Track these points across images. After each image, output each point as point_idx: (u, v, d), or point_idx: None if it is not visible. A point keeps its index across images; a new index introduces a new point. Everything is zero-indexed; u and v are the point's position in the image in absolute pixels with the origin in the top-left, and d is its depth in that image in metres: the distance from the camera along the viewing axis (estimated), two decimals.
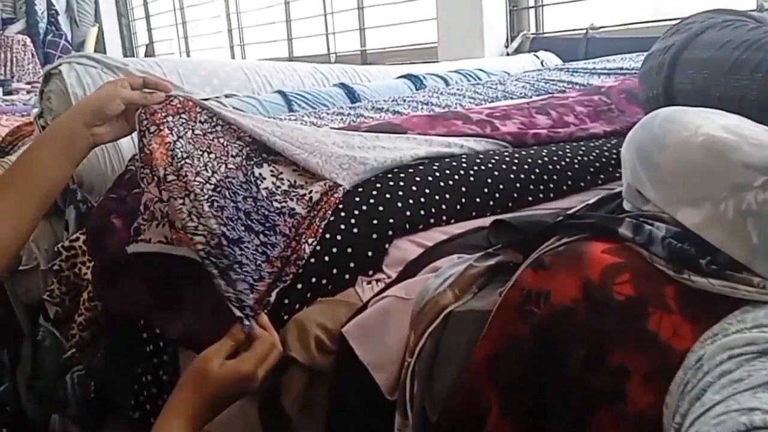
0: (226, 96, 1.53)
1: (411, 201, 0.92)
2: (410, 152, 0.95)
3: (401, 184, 0.93)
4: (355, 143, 0.93)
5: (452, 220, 0.95)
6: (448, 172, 0.98)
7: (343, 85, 1.65)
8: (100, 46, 6.12)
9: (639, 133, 0.77)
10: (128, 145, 1.26)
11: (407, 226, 0.90)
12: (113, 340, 1.26)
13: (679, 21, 1.26)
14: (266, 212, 0.80)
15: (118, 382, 1.32)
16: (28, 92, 4.10)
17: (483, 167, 1.02)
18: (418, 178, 0.95)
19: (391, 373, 0.72)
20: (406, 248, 0.89)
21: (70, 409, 1.59)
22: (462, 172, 1.00)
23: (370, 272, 0.86)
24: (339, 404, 0.75)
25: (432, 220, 0.93)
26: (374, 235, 0.87)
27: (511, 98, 1.72)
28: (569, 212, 0.88)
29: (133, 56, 5.99)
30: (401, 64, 2.80)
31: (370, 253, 0.86)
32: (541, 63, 2.53)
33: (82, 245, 1.17)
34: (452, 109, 1.31)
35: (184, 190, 0.75)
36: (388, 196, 0.90)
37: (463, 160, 1.03)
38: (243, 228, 0.77)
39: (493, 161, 1.05)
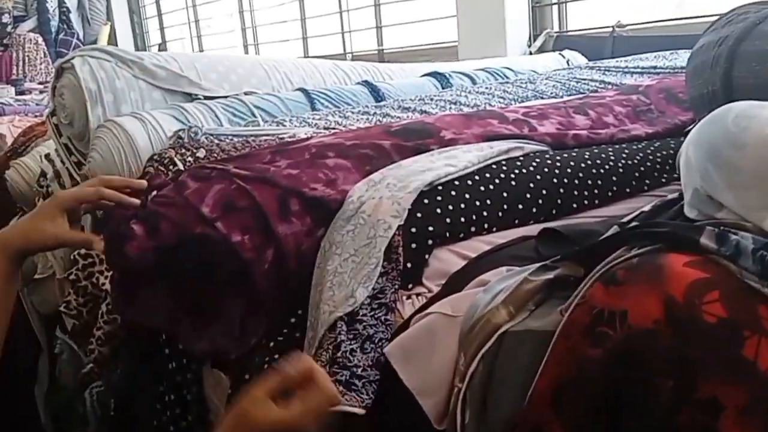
0: (246, 93, 1.46)
1: (451, 208, 0.85)
2: (465, 160, 0.89)
3: (440, 188, 0.86)
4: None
5: (494, 229, 0.88)
6: (488, 176, 0.91)
7: (366, 83, 1.58)
8: (113, 44, 6.09)
9: (709, 131, 0.70)
10: (145, 144, 1.19)
11: (447, 235, 0.83)
12: (133, 356, 1.20)
13: (727, 12, 1.18)
14: None
15: (140, 400, 1.26)
16: (41, 92, 4.06)
17: (524, 171, 0.95)
18: (457, 183, 0.88)
19: (440, 399, 0.65)
20: (447, 259, 0.82)
21: (89, 427, 1.53)
22: (502, 175, 0.92)
23: (410, 286, 0.79)
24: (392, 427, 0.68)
25: (473, 229, 0.86)
26: (413, 245, 0.80)
27: (542, 98, 1.65)
28: (624, 221, 0.81)
29: None
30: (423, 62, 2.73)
31: (409, 265, 0.79)
32: (567, 62, 2.45)
33: (99, 253, 1.11)
34: (485, 109, 1.23)
35: None
36: (426, 202, 0.83)
37: (503, 163, 0.95)
38: None
39: (534, 164, 0.98)
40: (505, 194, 0.90)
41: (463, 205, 0.86)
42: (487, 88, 1.63)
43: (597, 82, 1.76)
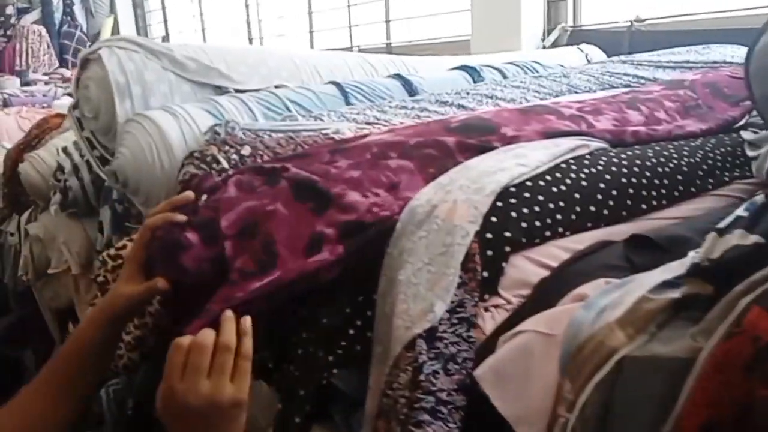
0: (277, 87, 1.40)
1: (526, 211, 0.78)
2: (535, 159, 0.82)
3: (512, 190, 0.79)
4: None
5: (567, 233, 0.82)
6: (558, 176, 0.85)
7: (399, 77, 1.52)
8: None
9: None
10: (178, 140, 1.12)
11: (524, 240, 0.77)
12: (161, 358, 1.14)
13: None
14: None
15: None
16: (46, 83, 3.99)
17: (593, 170, 0.89)
18: (529, 183, 0.81)
19: (539, 429, 0.58)
20: (523, 267, 0.75)
21: (105, 425, 1.47)
22: (573, 175, 0.86)
23: (486, 297, 0.72)
24: None
25: (547, 233, 0.79)
26: (489, 253, 0.73)
27: (576, 92, 1.58)
28: (721, 226, 0.75)
29: None
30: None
31: (485, 274, 0.72)
32: (586, 56, 2.39)
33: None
34: (523, 103, 1.17)
35: None
36: (500, 204, 0.77)
37: (572, 161, 0.89)
38: None
39: (602, 163, 0.91)
40: (577, 195, 0.84)
41: (537, 208, 0.79)
42: (521, 82, 1.56)
43: (630, 77, 1.70)
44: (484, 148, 0.87)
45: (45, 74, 4.75)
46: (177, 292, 0.77)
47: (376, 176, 0.79)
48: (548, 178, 0.83)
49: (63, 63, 5.58)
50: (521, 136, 0.93)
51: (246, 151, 0.98)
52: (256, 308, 0.69)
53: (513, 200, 0.78)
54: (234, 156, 0.94)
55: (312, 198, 0.74)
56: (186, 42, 5.47)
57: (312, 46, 4.31)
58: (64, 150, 1.63)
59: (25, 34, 5.44)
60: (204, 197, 0.78)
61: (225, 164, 0.94)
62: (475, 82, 1.64)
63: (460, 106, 1.32)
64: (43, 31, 5.53)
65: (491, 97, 1.39)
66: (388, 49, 3.63)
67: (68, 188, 1.58)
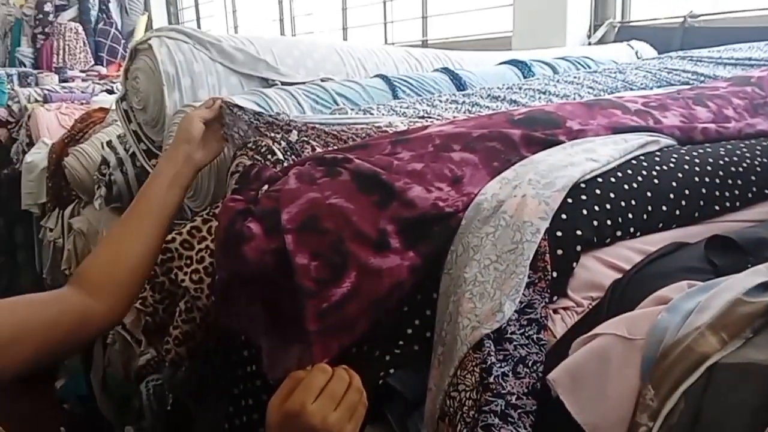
0: (322, 80, 1.38)
1: (597, 208, 0.74)
2: (606, 154, 0.78)
3: (582, 186, 0.76)
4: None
5: (638, 233, 0.78)
6: (630, 173, 0.81)
7: (447, 71, 1.48)
8: None
9: None
10: None
11: (595, 239, 0.73)
12: (208, 357, 1.12)
13: None
14: None
15: (208, 400, 1.18)
16: (83, 80, 4.04)
17: (665, 168, 0.84)
18: (600, 180, 0.78)
19: None
20: (593, 268, 0.72)
21: (144, 420, 1.47)
22: (644, 173, 0.82)
23: (555, 298, 0.69)
24: None
25: (618, 233, 0.76)
26: (559, 252, 0.70)
27: (631, 88, 1.53)
28: None
29: None
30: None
31: (555, 274, 0.69)
32: (636, 53, 2.32)
33: (179, 247, 1.03)
34: (606, 98, 1.12)
35: None
36: (570, 201, 0.73)
37: (642, 158, 0.85)
38: None
39: (673, 161, 0.87)
40: (649, 194, 0.80)
41: (608, 206, 0.75)
42: (575, 77, 1.52)
43: (689, 74, 1.64)
44: (550, 142, 0.84)
45: (81, 71, 4.81)
46: (233, 285, 0.75)
47: (440, 169, 0.76)
48: (619, 174, 0.79)
49: (98, 60, 5.65)
50: (588, 130, 0.89)
51: (293, 136, 0.95)
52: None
53: (584, 197, 0.74)
54: (282, 143, 0.92)
55: (376, 190, 0.71)
56: None
57: None
58: (109, 144, 1.63)
59: (62, 31, 5.52)
60: (265, 187, 0.76)
61: (280, 155, 0.91)
62: (524, 77, 1.60)
63: (512, 101, 1.28)
64: (80, 28, 5.61)
65: (544, 93, 1.35)
66: (425, 47, 3.59)
67: (113, 182, 1.58)
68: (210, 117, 1.04)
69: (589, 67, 1.75)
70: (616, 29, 2.71)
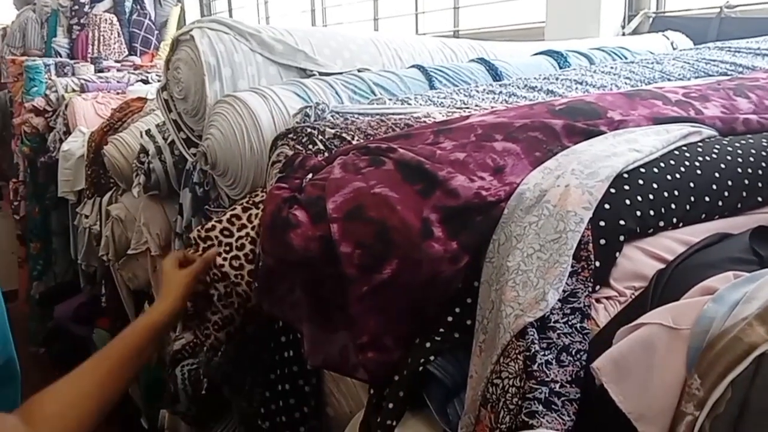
0: (359, 70, 1.38)
1: (640, 199, 0.74)
2: (648, 144, 0.78)
3: (625, 176, 0.75)
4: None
5: (680, 224, 0.78)
6: (672, 163, 0.80)
7: (483, 61, 1.48)
8: (182, 26, 6.12)
9: None
10: (268, 121, 1.13)
11: (638, 230, 0.73)
12: (245, 342, 1.15)
13: None
14: None
15: (244, 385, 1.20)
16: (118, 70, 4.09)
17: (707, 158, 0.84)
18: (643, 170, 0.77)
19: (663, 426, 0.55)
20: (636, 258, 0.72)
21: (179, 405, 1.50)
22: (687, 163, 0.81)
23: (597, 287, 0.69)
24: None
25: (661, 223, 0.75)
26: (602, 242, 0.70)
27: (669, 79, 1.51)
28: None
29: None
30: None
31: (597, 264, 0.69)
32: (671, 44, 2.28)
33: (219, 235, 1.05)
34: (646, 89, 1.11)
35: None
36: (613, 191, 0.73)
37: (684, 149, 0.84)
38: None
39: (715, 152, 0.86)
40: (691, 185, 0.79)
41: (651, 196, 0.75)
42: (611, 68, 1.50)
43: (728, 64, 1.61)
44: (591, 133, 0.84)
45: (116, 61, 4.88)
46: (277, 271, 0.76)
47: (482, 159, 0.77)
48: (662, 165, 0.79)
49: (132, 51, 5.73)
50: (629, 120, 0.89)
51: (329, 133, 0.97)
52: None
53: (627, 187, 0.74)
54: (320, 137, 0.93)
55: (420, 179, 0.72)
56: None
57: None
58: (147, 133, 1.66)
59: (97, 22, 5.60)
60: (309, 176, 0.77)
61: (321, 145, 0.93)
62: (560, 67, 1.59)
63: (549, 92, 1.28)
64: (114, 19, 5.68)
65: (581, 83, 1.34)
66: (456, 37, 3.57)
67: (151, 170, 1.61)
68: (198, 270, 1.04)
69: (625, 58, 1.73)
70: (651, 20, 2.67)
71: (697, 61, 1.60)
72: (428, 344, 0.76)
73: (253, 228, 1.09)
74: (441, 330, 0.76)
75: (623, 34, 2.67)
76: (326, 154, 0.91)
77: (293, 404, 1.06)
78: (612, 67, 1.50)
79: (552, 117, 0.85)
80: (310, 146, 0.93)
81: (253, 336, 1.14)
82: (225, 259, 1.05)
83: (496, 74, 1.44)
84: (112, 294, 2.18)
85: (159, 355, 1.92)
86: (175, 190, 1.63)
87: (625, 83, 1.44)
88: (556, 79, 1.37)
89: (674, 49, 2.20)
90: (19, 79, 3.93)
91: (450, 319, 0.76)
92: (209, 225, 1.07)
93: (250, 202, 1.14)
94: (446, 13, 3.66)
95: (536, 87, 1.31)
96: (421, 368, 0.75)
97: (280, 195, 0.74)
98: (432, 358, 0.75)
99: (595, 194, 0.70)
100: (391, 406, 0.78)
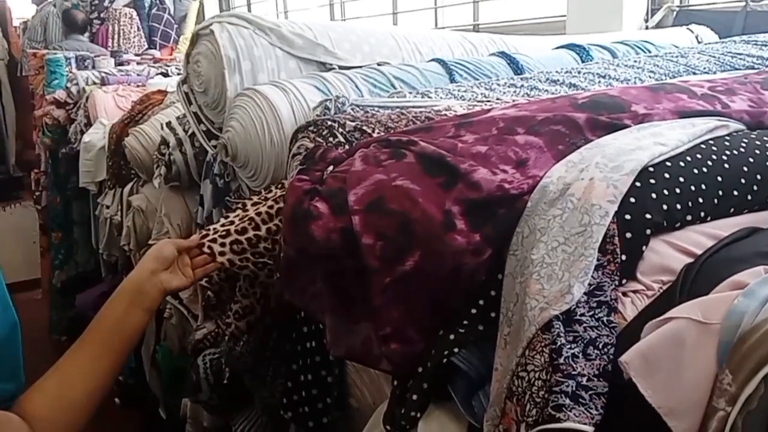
0: (379, 64, 1.38)
1: (666, 192, 0.73)
2: (674, 138, 0.77)
3: (651, 170, 0.75)
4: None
5: (708, 218, 0.77)
6: (699, 157, 0.79)
7: (504, 55, 1.47)
8: (201, 20, 6.15)
9: None
10: (288, 115, 1.13)
11: (665, 223, 0.72)
12: (266, 331, 1.15)
13: None
14: None
15: (266, 376, 1.21)
16: (138, 63, 4.12)
17: (735, 152, 0.82)
18: (669, 164, 0.76)
19: (694, 422, 0.54)
20: (663, 252, 0.71)
21: (201, 394, 1.51)
22: (714, 157, 0.80)
23: (624, 281, 0.69)
24: None
25: (689, 217, 0.74)
26: (628, 235, 0.69)
27: (694, 73, 1.49)
28: None
29: None
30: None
31: (624, 258, 0.68)
32: (696, 38, 2.25)
33: (218, 228, 1.05)
34: (671, 82, 1.10)
35: None
36: (638, 185, 0.72)
37: (711, 142, 0.83)
38: None
39: (743, 145, 0.85)
40: (719, 178, 0.78)
41: (678, 190, 0.74)
42: (635, 61, 1.48)
43: (754, 58, 1.59)
44: (615, 126, 0.83)
45: (136, 55, 4.92)
46: (298, 262, 0.77)
47: (504, 152, 0.76)
48: (688, 159, 0.78)
49: (151, 45, 5.78)
50: (653, 114, 0.88)
51: (349, 126, 0.96)
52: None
53: (652, 181, 0.74)
54: (340, 129, 0.93)
55: (441, 172, 0.72)
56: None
57: None
58: (168, 125, 1.68)
59: (117, 16, 5.65)
60: (330, 168, 0.77)
61: (341, 138, 0.93)
62: (582, 61, 1.57)
63: (571, 85, 1.26)
64: (134, 13, 5.73)
65: (604, 77, 1.33)
66: (476, 31, 3.54)
67: (172, 161, 1.62)
68: (186, 246, 1.02)
69: (649, 52, 1.71)
70: (675, 13, 2.63)
71: (723, 55, 1.58)
72: (452, 336, 0.76)
73: (258, 214, 1.07)
74: (465, 322, 0.76)
75: (646, 28, 2.64)
76: (346, 147, 0.91)
77: (316, 395, 1.07)
78: (635, 61, 1.48)
79: (575, 110, 0.84)
80: (331, 139, 0.93)
81: (274, 326, 1.15)
82: (223, 245, 1.04)
83: (517, 68, 1.43)
84: None
85: (181, 344, 1.94)
86: (196, 181, 1.64)
87: (649, 77, 1.42)
88: (579, 72, 1.36)
89: (699, 43, 2.17)
90: (40, 72, 3.97)
91: (474, 311, 0.76)
92: (227, 220, 1.06)
93: (262, 197, 1.13)
94: (466, 7, 3.64)
95: (558, 80, 1.30)
96: (445, 360, 0.75)
97: (301, 187, 0.74)
98: (456, 350, 0.75)
99: (619, 188, 0.70)
100: (415, 397, 0.78)
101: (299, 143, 0.99)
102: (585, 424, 0.57)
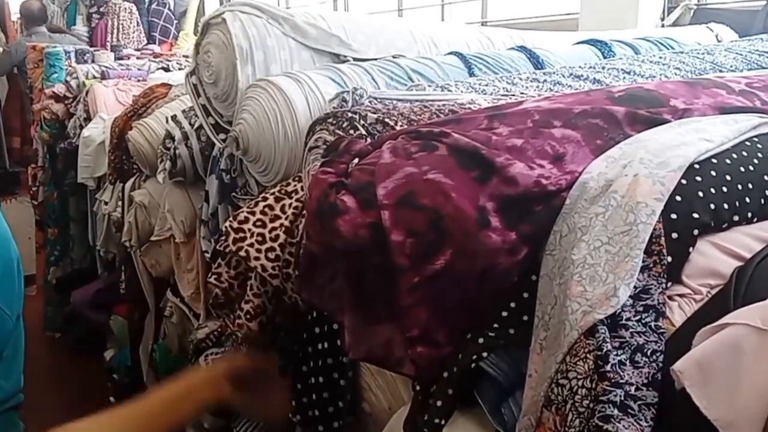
0: (394, 57, 1.34)
1: (713, 191, 0.69)
2: (719, 135, 0.73)
3: (697, 167, 0.71)
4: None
5: (755, 219, 0.72)
6: (745, 155, 0.75)
7: (524, 49, 1.43)
8: (200, 16, 6.09)
9: None
10: (303, 107, 1.09)
11: (712, 224, 0.68)
12: (274, 331, 1.11)
13: None
14: None
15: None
16: (138, 58, 4.07)
17: None
18: (714, 161, 0.72)
19: None
20: (709, 254, 0.67)
21: None
22: (760, 155, 0.76)
23: (669, 284, 0.64)
24: None
25: (736, 217, 0.70)
26: (674, 235, 0.65)
27: (721, 71, 1.45)
28: None
29: None
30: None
31: (670, 259, 0.64)
32: (716, 37, 2.21)
33: (252, 227, 1.01)
34: (706, 77, 1.06)
35: None
36: (684, 182, 0.68)
37: (756, 140, 0.79)
38: None
39: None
40: (766, 177, 0.74)
41: (725, 189, 0.70)
42: (660, 57, 1.44)
43: None
44: (655, 121, 0.79)
45: (136, 50, 4.87)
46: (321, 259, 0.72)
47: (540, 146, 0.72)
48: (734, 156, 0.73)
49: (151, 40, 5.72)
50: (693, 110, 0.84)
51: (371, 118, 0.92)
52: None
53: (698, 178, 0.69)
54: (362, 122, 0.89)
55: (476, 166, 0.68)
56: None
57: None
58: (174, 118, 1.63)
59: (116, 11, 5.60)
60: (355, 161, 0.73)
61: (362, 131, 0.88)
62: (604, 57, 1.53)
63: (596, 81, 1.22)
64: (134, 8, 5.68)
65: (628, 72, 1.28)
66: None
67: (177, 156, 1.58)
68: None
69: (672, 49, 1.67)
70: (692, 12, 2.59)
71: (750, 53, 1.54)
72: (481, 340, 0.72)
73: (287, 218, 1.05)
74: (495, 325, 0.72)
75: (662, 26, 2.60)
76: (368, 140, 0.87)
77: (327, 398, 1.03)
78: (661, 57, 1.44)
79: (613, 104, 0.80)
80: (351, 131, 0.89)
81: (284, 326, 1.10)
82: (259, 251, 1.01)
83: (537, 62, 1.39)
84: (132, 281, 2.15)
85: (181, 343, 1.90)
86: (201, 177, 1.59)
87: (675, 74, 1.38)
88: (603, 68, 1.32)
89: (719, 41, 2.12)
90: (39, 65, 3.91)
91: (505, 314, 0.72)
92: (242, 216, 1.03)
93: (282, 191, 1.10)
94: (473, 4, 3.59)
95: (582, 76, 1.26)
96: (473, 365, 0.71)
97: (326, 179, 0.70)
98: (485, 354, 0.71)
99: (666, 185, 0.66)
100: (440, 403, 0.74)
101: (317, 136, 0.94)
102: None
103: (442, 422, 0.74)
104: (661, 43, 1.67)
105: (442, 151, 0.69)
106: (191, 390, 0.93)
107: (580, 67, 1.30)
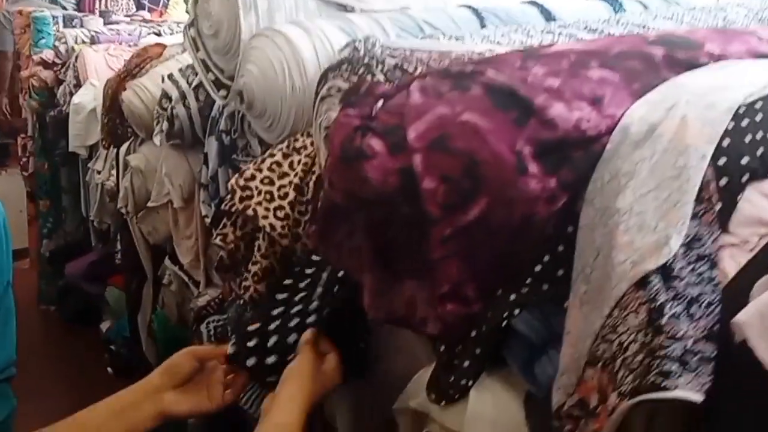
0: (402, 9, 1.28)
1: (759, 136, 0.65)
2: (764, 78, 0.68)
3: (741, 111, 0.66)
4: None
5: None
6: None
7: (534, 3, 1.37)
8: None
9: None
10: (311, 58, 1.03)
11: (760, 170, 0.64)
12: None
13: None
14: None
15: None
16: (128, 24, 3.96)
17: None
18: (758, 105, 0.67)
19: None
20: (758, 203, 0.63)
21: None
22: None
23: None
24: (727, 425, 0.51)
25: None
26: (722, 181, 0.61)
27: (732, 27, 1.41)
28: None
29: None
30: None
31: (719, 207, 0.60)
32: None
33: (259, 184, 0.96)
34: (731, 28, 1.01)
35: None
36: (730, 127, 0.64)
37: None
38: None
39: None
40: None
41: None
42: (673, 13, 1.39)
43: None
44: (693, 65, 0.74)
45: (126, 16, 4.74)
46: (343, 209, 0.68)
47: (578, 87, 0.67)
48: None
49: (140, 7, 5.58)
50: (728, 55, 0.79)
51: (391, 61, 0.87)
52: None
53: (745, 122, 0.65)
54: (379, 67, 0.83)
55: (514, 106, 0.63)
56: None
57: None
58: (170, 77, 1.56)
59: None
60: (380, 102, 0.68)
61: (380, 77, 0.83)
62: (616, 13, 1.48)
63: (610, 34, 1.17)
64: None
65: (643, 27, 1.23)
66: None
67: (175, 116, 1.51)
68: (209, 357, 0.88)
69: (680, 5, 1.62)
70: None
71: (762, 9, 1.49)
72: (513, 296, 0.68)
73: (296, 175, 1.00)
74: (527, 281, 0.68)
75: None
76: (409, 78, 0.81)
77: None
78: (673, 13, 1.39)
79: (651, 47, 0.75)
80: (369, 77, 0.84)
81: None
82: (268, 209, 0.97)
83: (549, 16, 1.34)
84: (128, 250, 2.10)
85: (179, 312, 1.86)
86: (200, 139, 1.53)
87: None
88: (617, 22, 1.27)
89: None
90: (26, 31, 3.80)
91: (538, 268, 0.68)
92: (248, 174, 0.98)
93: (291, 147, 1.05)
94: None
95: (597, 29, 1.20)
96: (504, 323, 0.67)
97: (351, 123, 0.65)
98: (516, 312, 0.67)
99: (716, 128, 0.61)
100: (467, 364, 0.70)
101: (330, 84, 0.89)
102: (697, 392, 0.49)
103: (470, 383, 0.71)
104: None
105: (476, 91, 0.64)
106: (113, 414, 0.83)
107: (593, 21, 1.25)
